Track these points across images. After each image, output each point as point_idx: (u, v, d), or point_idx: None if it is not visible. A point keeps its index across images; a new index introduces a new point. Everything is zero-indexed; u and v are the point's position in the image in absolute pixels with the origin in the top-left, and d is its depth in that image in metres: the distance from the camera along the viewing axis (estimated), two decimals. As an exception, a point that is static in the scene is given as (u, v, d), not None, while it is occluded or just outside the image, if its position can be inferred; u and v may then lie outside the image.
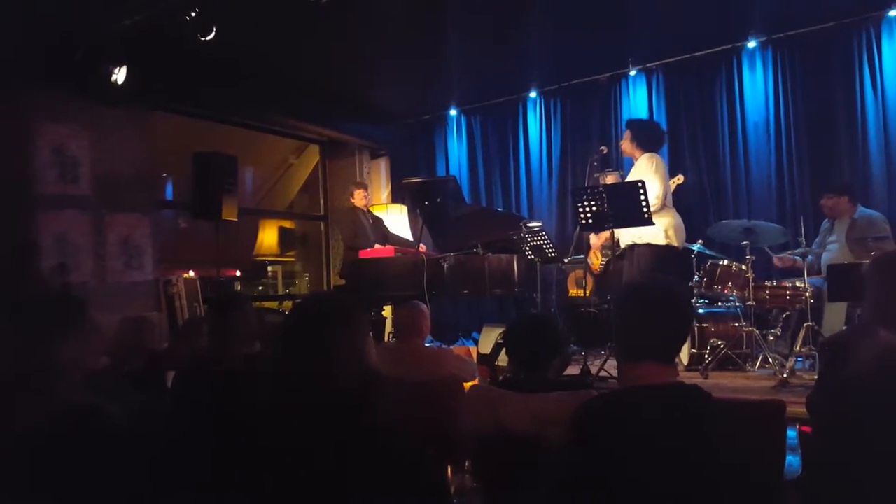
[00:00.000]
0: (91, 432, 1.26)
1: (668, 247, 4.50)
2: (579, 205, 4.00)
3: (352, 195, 6.16)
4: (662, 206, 4.46)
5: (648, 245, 4.49)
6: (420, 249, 5.55)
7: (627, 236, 4.52)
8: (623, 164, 5.51)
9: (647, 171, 4.48)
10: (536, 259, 4.85)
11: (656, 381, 1.44)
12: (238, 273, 7.55)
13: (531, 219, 5.52)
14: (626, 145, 4.75)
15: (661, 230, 4.43)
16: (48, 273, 4.57)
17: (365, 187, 6.29)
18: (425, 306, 3.24)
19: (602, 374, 4.00)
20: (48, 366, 1.29)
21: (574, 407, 1.50)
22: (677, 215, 4.61)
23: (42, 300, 1.52)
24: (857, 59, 5.14)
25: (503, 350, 3.92)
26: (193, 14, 4.01)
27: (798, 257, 4.39)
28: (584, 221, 4.05)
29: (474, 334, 5.52)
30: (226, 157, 5.04)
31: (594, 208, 3.94)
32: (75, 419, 1.26)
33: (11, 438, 1.18)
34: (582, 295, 5.42)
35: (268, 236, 8.35)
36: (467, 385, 2.69)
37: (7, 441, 1.18)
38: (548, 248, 4.72)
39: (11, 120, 4.66)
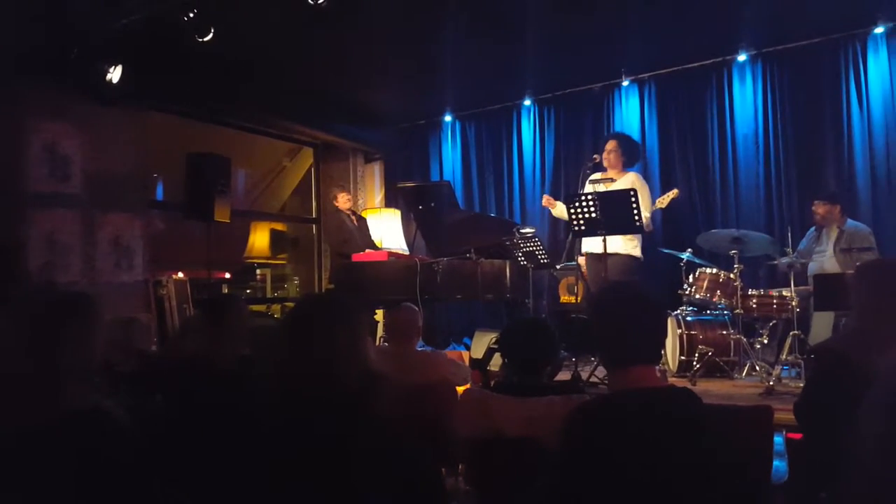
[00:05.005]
0: (99, 435, 1.26)
1: (639, 259, 4.72)
2: (572, 211, 4.05)
3: (335, 198, 6.15)
4: None
5: (627, 256, 4.66)
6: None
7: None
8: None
9: (642, 190, 4.64)
10: (529, 265, 4.88)
11: (646, 384, 1.46)
12: (227, 275, 7.52)
13: (524, 225, 5.56)
14: (614, 156, 4.84)
15: (636, 244, 4.65)
16: (36, 272, 4.54)
17: (348, 190, 6.29)
18: (418, 309, 3.25)
19: (592, 379, 4.04)
20: (57, 366, 1.29)
21: (567, 410, 1.52)
22: None
23: (52, 298, 1.51)
24: (844, 73, 5.24)
25: (495, 354, 3.95)
26: (192, 15, 4.02)
27: (786, 260, 4.41)
28: (576, 228, 4.10)
29: (465, 339, 5.53)
30: (220, 159, 5.02)
31: (587, 215, 3.99)
32: (86, 421, 1.26)
33: (17, 438, 1.18)
34: (573, 301, 5.45)
35: (259, 239, 8.32)
36: (460, 389, 2.70)
37: (13, 441, 1.18)
38: (540, 255, 4.75)
39: (3, 116, 4.64)
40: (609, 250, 4.54)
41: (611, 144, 4.89)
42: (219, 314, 2.36)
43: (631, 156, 4.92)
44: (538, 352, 2.13)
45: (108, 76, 4.68)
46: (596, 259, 4.50)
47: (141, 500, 1.26)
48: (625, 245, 4.64)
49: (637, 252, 4.70)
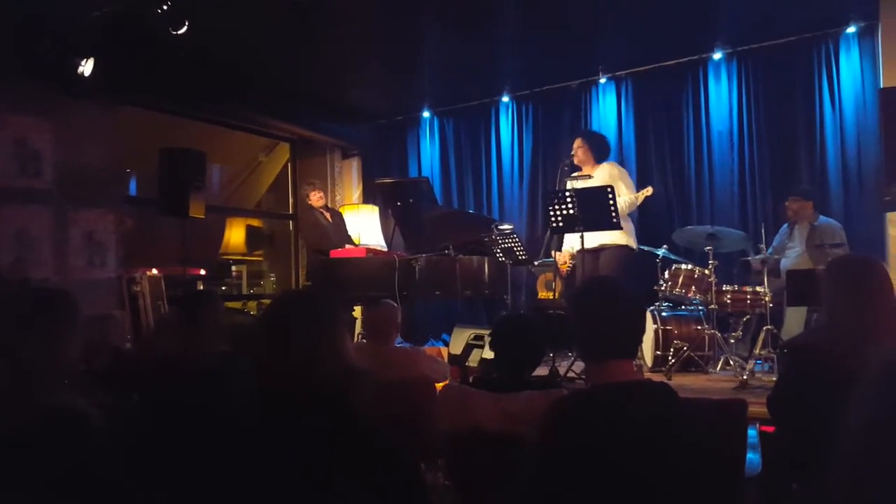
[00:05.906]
0: (72, 434, 1.24)
1: (633, 250, 4.71)
2: (550, 208, 4.07)
3: (307, 196, 6.08)
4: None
5: (620, 247, 4.66)
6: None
7: (596, 238, 4.61)
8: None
9: (620, 180, 4.71)
10: (507, 261, 4.90)
11: (624, 377, 1.48)
12: (203, 272, 7.43)
13: (502, 221, 5.57)
14: (582, 152, 4.89)
15: (628, 234, 4.61)
16: (7, 269, 4.44)
17: (319, 187, 6.21)
18: (396, 306, 3.24)
19: (569, 374, 4.07)
20: (31, 364, 1.26)
21: (545, 405, 1.53)
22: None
23: (29, 295, 1.48)
24: (817, 72, 5.33)
25: (474, 350, 3.96)
26: (165, 7, 3.95)
27: (759, 257, 4.49)
28: (554, 224, 4.12)
29: (444, 335, 5.54)
30: (195, 154, 4.95)
31: (564, 212, 4.02)
32: (60, 420, 1.23)
33: None
34: (551, 297, 5.48)
35: (235, 235, 8.23)
36: (439, 385, 2.70)
37: None
38: (518, 251, 4.77)
39: (-30, 110, 4.51)
40: (604, 242, 4.58)
41: (577, 143, 4.98)
42: (194, 311, 2.34)
43: (599, 149, 4.96)
44: (532, 349, 2.14)
45: (80, 69, 4.58)
46: (589, 254, 4.49)
47: (115, 499, 1.24)
48: (621, 236, 4.61)
49: (631, 243, 4.71)
